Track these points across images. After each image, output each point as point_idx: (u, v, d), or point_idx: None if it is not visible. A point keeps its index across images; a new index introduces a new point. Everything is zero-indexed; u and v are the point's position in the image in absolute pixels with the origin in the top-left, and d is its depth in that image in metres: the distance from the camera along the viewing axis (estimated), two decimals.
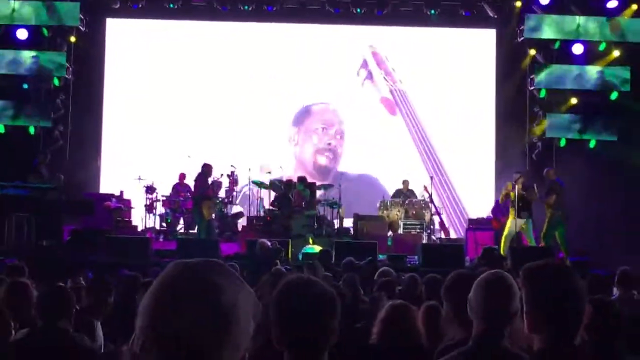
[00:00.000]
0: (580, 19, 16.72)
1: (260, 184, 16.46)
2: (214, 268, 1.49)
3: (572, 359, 2.52)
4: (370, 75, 18.71)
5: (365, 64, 18.71)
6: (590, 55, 16.80)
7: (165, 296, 1.42)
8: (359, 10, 17.74)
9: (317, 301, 2.27)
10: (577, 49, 16.73)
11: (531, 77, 17.18)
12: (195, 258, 1.55)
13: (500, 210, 15.16)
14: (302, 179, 15.94)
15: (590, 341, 3.86)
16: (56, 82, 16.93)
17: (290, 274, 8.44)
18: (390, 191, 17.25)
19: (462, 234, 16.76)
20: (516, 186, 13.88)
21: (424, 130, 18.44)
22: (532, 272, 2.62)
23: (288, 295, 2.29)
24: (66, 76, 17.06)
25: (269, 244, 11.45)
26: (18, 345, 4.22)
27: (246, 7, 17.65)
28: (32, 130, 16.79)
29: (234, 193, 16.52)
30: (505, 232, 14.03)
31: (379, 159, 18.27)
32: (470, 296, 2.99)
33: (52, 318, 4.28)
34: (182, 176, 16.39)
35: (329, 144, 18.68)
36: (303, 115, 18.75)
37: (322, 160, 18.51)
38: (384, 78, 18.69)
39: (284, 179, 16.65)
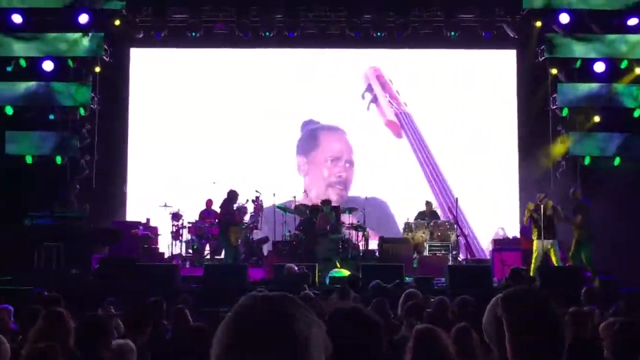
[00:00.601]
0: (601, 37, 16.71)
1: (284, 209, 16.54)
2: (288, 300, 1.52)
3: None
4: (375, 99, 18.76)
5: (370, 88, 18.77)
6: (612, 73, 16.77)
7: (242, 327, 1.46)
8: (379, 34, 17.84)
9: (366, 330, 2.31)
10: (599, 67, 16.71)
11: (553, 96, 17.16)
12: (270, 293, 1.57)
13: (529, 229, 15.09)
14: (327, 202, 15.98)
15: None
16: (82, 112, 17.14)
17: (321, 299, 8.48)
18: (398, 214, 17.34)
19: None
20: (541, 206, 13.82)
21: (429, 153, 18.46)
22: (510, 300, 2.57)
23: (338, 324, 2.33)
24: (92, 106, 17.27)
25: (296, 268, 11.50)
26: None
27: (267, 33, 17.82)
28: (59, 160, 16.98)
29: (259, 218, 16.59)
30: (535, 254, 13.94)
31: (386, 182, 18.29)
32: (485, 320, 2.98)
33: (92, 348, 4.30)
34: (209, 202, 16.50)
35: (340, 176, 18.68)
36: (310, 144, 18.77)
37: (332, 195, 18.24)
38: (389, 102, 18.74)
39: (309, 204, 16.74)
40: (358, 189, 18.46)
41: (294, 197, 17.43)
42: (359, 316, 2.35)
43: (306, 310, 1.52)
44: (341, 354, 2.28)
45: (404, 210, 17.42)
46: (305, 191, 18.10)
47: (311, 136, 18.80)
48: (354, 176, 18.71)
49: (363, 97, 18.76)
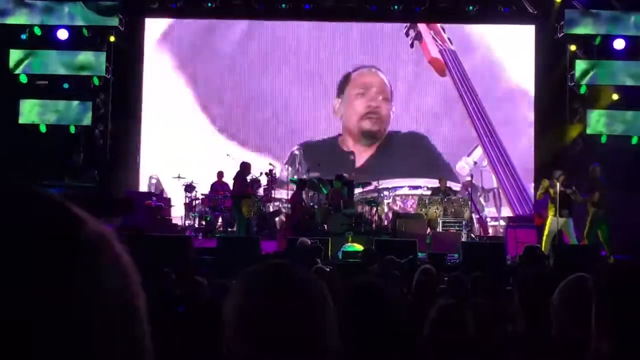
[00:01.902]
0: (621, 14, 16.49)
1: (297, 182, 16.49)
2: (299, 266, 1.53)
3: None
4: (419, 36, 18.55)
5: (414, 25, 18.55)
6: (632, 51, 16.56)
7: (259, 290, 1.43)
8: (396, 7, 17.67)
9: (388, 305, 2.25)
10: (619, 44, 16.50)
11: (571, 73, 16.97)
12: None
13: (542, 206, 14.98)
14: (339, 177, 15.91)
15: None
16: (96, 81, 17.09)
17: (333, 272, 8.44)
18: (446, 152, 17.85)
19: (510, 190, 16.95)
20: (557, 184, 13.70)
21: (474, 91, 18.27)
22: (609, 273, 2.54)
23: (360, 298, 2.27)
24: (106, 76, 17.22)
25: (309, 242, 11.45)
26: None
27: (283, 5, 17.68)
28: (72, 129, 16.97)
29: (273, 191, 16.54)
30: (546, 231, 13.87)
31: (429, 121, 18.31)
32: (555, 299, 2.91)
33: None
34: (220, 175, 16.46)
35: (369, 105, 18.53)
36: (343, 84, 18.65)
37: (366, 125, 18.39)
38: (433, 38, 18.53)
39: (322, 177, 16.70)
40: (400, 126, 18.49)
41: (308, 169, 17.42)
42: (379, 291, 2.29)
43: (313, 274, 1.50)
44: (362, 327, 2.23)
45: (449, 149, 17.89)
46: (340, 135, 18.31)
47: (344, 77, 18.66)
48: (393, 113, 18.53)
49: (407, 34, 18.52)
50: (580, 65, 16.78)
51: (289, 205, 16.13)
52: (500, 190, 17.86)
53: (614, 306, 2.45)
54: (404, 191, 17.87)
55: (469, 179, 16.62)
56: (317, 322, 1.42)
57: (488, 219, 17.49)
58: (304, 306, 1.43)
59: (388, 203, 17.69)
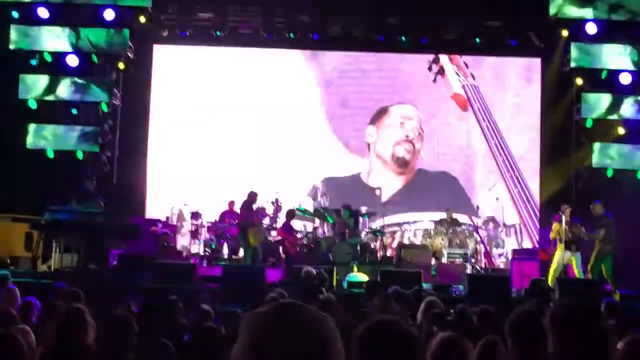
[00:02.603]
0: (627, 49, 16.57)
1: (304, 212, 16.53)
2: (295, 306, 1.50)
3: None
4: (442, 71, 18.64)
5: (437, 59, 18.65)
6: (638, 84, 16.60)
7: (275, 342, 1.42)
8: (403, 38, 17.78)
9: (405, 345, 2.25)
10: (625, 78, 16.56)
11: (577, 106, 17.01)
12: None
13: (546, 240, 14.99)
14: (346, 207, 15.94)
15: None
16: (104, 107, 17.18)
17: (339, 302, 8.42)
18: (467, 189, 17.84)
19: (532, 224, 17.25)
20: (564, 218, 13.71)
21: (496, 126, 18.32)
22: (561, 317, 2.53)
23: (378, 336, 2.27)
24: (114, 102, 17.32)
25: (314, 271, 11.44)
26: None
27: (292, 35, 17.81)
28: (80, 155, 17.04)
29: (278, 220, 16.57)
30: (554, 265, 13.84)
31: (453, 156, 18.39)
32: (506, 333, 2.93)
33: (117, 348, 4.21)
34: (232, 204, 16.46)
35: (407, 135, 18.55)
36: (381, 114, 18.69)
37: (400, 152, 18.47)
38: (456, 73, 18.61)
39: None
40: (428, 164, 18.58)
41: (315, 199, 17.46)
42: (398, 329, 2.29)
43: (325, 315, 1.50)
44: None
45: (470, 183, 18.01)
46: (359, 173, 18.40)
47: (383, 109, 18.70)
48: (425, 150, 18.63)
49: (430, 68, 18.61)
50: (586, 98, 16.82)
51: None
52: (521, 226, 17.83)
53: (567, 346, 2.43)
54: (425, 225, 17.80)
55: (490, 214, 16.74)
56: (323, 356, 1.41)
57: (510, 253, 17.38)
58: (313, 346, 1.42)
59: (409, 237, 17.82)
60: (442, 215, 16.78)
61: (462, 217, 17.21)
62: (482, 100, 18.41)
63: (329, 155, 18.34)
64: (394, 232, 17.67)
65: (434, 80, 18.56)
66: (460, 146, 18.42)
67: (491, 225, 17.32)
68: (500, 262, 17.33)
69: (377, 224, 17.03)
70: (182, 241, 16.96)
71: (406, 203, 18.06)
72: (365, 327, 2.32)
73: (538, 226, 17.49)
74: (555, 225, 14.04)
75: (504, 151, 18.16)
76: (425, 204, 18.00)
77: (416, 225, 17.92)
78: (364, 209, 16.76)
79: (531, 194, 18.03)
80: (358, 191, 18.13)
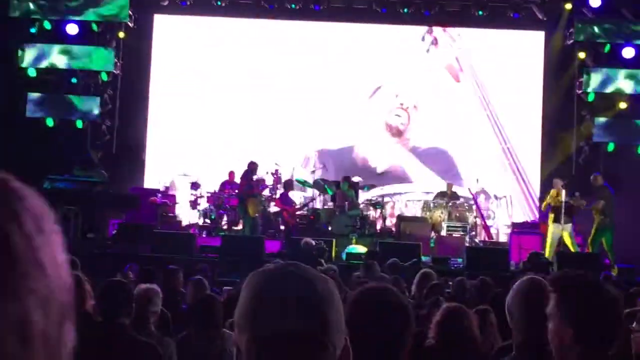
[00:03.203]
0: (631, 23, 16.47)
1: (304, 183, 16.52)
2: (296, 265, 1.50)
3: None
4: (435, 41, 18.54)
5: (430, 30, 18.55)
6: None
7: (269, 297, 1.43)
8: (405, 10, 17.65)
9: (394, 312, 2.24)
10: (628, 52, 16.48)
11: (580, 80, 16.94)
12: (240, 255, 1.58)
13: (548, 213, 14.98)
14: (346, 179, 15.92)
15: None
16: (104, 77, 17.12)
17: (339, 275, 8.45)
18: (461, 162, 17.89)
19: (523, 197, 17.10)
20: (563, 192, 13.70)
21: (487, 96, 18.26)
22: (564, 284, 2.53)
23: (366, 304, 2.26)
24: (114, 71, 17.25)
25: (313, 242, 11.47)
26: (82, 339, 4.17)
27: (293, 6, 17.70)
28: (79, 124, 17.00)
29: (277, 191, 16.56)
30: (549, 239, 13.87)
31: (447, 129, 18.30)
32: (510, 305, 2.94)
33: (113, 314, 4.23)
34: (232, 174, 16.42)
35: (401, 104, 18.51)
36: (377, 89, 18.60)
37: (393, 120, 18.47)
38: (449, 44, 18.48)
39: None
40: (420, 139, 18.53)
41: (313, 171, 17.46)
42: (386, 297, 2.28)
43: (325, 276, 1.51)
44: (366, 333, 2.23)
45: (466, 156, 18.02)
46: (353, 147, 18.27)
47: (378, 86, 18.62)
48: (417, 124, 18.57)
49: (423, 39, 18.50)
50: (588, 72, 16.75)
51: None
52: (511, 197, 17.85)
53: (575, 318, 2.43)
54: (417, 196, 17.88)
55: (481, 186, 16.75)
56: (322, 319, 1.41)
57: (500, 225, 17.44)
58: (312, 299, 1.42)
59: (400, 208, 17.79)
60: (438, 187, 16.85)
61: (461, 190, 17.22)
62: (475, 70, 18.31)
63: (325, 126, 18.27)
64: (386, 203, 17.66)
65: (427, 51, 18.47)
66: (452, 117, 18.32)
67: (482, 196, 17.32)
68: (503, 234, 17.33)
69: (374, 193, 17.11)
70: (180, 211, 16.94)
71: (400, 175, 18.06)
72: (356, 294, 2.32)
73: (536, 200, 17.48)
74: (550, 197, 14.05)
75: (497, 123, 18.10)
76: (419, 175, 18.04)
77: (407, 196, 17.94)
78: (357, 179, 16.75)
79: (522, 166, 18.00)
80: (352, 162, 18.13)
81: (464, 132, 18.23)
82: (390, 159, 18.41)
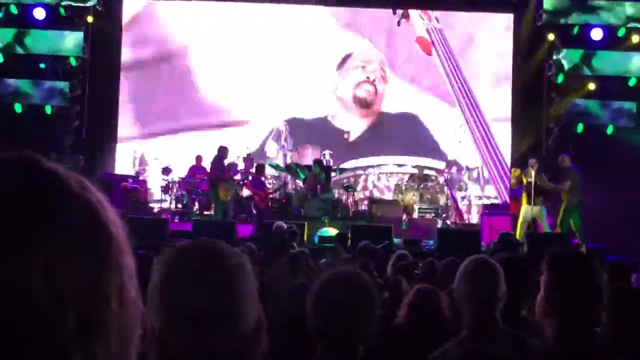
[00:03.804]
0: (599, 4, 16.59)
1: (276, 167, 16.52)
2: (214, 243, 1.53)
3: (589, 345, 2.51)
4: (406, 14, 18.51)
5: (400, 2, 18.54)
6: (609, 41, 16.66)
7: (180, 277, 1.45)
8: None
9: (360, 295, 2.26)
10: (596, 34, 16.60)
11: (549, 62, 17.05)
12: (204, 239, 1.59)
13: (518, 193, 15.07)
14: (317, 162, 15.93)
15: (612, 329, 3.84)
16: (73, 62, 16.94)
17: (306, 256, 8.46)
18: (433, 133, 18.04)
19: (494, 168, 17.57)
20: (533, 172, 13.80)
21: (460, 70, 18.31)
22: (555, 260, 2.62)
23: (332, 288, 2.27)
24: (83, 56, 17.08)
25: (285, 226, 11.47)
26: None
27: None
28: (48, 110, 16.83)
29: (249, 175, 16.54)
30: (520, 219, 13.98)
31: (417, 99, 18.36)
32: (457, 285, 2.98)
33: None
34: (199, 159, 16.40)
35: (368, 77, 18.54)
36: (345, 59, 18.65)
37: (361, 93, 18.50)
38: (420, 16, 18.51)
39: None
40: (390, 104, 18.56)
41: (283, 146, 17.53)
42: (352, 281, 2.30)
43: (233, 250, 1.53)
44: (333, 318, 2.24)
45: (434, 126, 18.20)
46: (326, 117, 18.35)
47: (347, 55, 18.65)
48: (387, 93, 18.59)
49: (394, 12, 18.44)
50: (557, 54, 16.86)
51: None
52: (484, 169, 18.01)
53: (561, 291, 2.52)
54: (389, 169, 18.01)
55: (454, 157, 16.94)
56: (231, 297, 1.43)
57: (473, 197, 17.62)
58: (219, 281, 1.43)
59: (372, 181, 17.82)
60: (408, 159, 16.90)
61: (428, 162, 17.56)
62: (447, 44, 18.35)
63: (295, 97, 18.25)
64: (359, 176, 17.78)
65: (398, 24, 18.47)
66: (424, 90, 18.37)
67: (454, 168, 17.48)
68: (474, 206, 17.48)
69: (347, 166, 17.35)
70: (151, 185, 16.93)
71: (371, 146, 18.17)
72: (322, 278, 2.34)
73: (501, 171, 17.65)
74: (514, 171, 14.18)
75: (468, 95, 18.19)
76: (391, 146, 18.18)
77: (381, 169, 18.06)
78: (327, 153, 16.79)
79: (494, 138, 18.13)
80: (324, 133, 18.19)
81: (435, 106, 18.28)
82: (362, 130, 18.46)
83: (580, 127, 16.68)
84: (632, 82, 16.47)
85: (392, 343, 4.19)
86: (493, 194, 17.79)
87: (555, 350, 2.54)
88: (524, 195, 14.03)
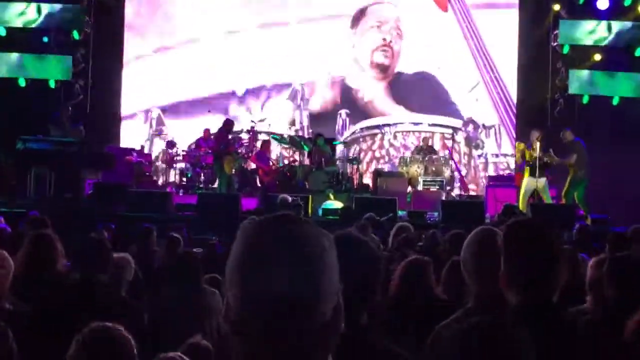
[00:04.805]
0: None
1: (280, 139, 16.48)
2: (292, 219, 1.45)
3: (551, 315, 2.53)
4: None
5: None
6: (616, 11, 16.51)
7: (263, 254, 1.38)
8: None
9: (364, 261, 2.25)
10: (602, 3, 16.45)
11: (555, 32, 16.92)
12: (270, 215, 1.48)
13: (523, 165, 15.02)
14: (320, 135, 15.91)
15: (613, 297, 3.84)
16: (76, 35, 16.87)
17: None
18: (446, 90, 18.03)
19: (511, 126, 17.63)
20: (538, 144, 13.73)
21: (476, 27, 18.22)
22: (510, 229, 2.61)
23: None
24: (86, 30, 17.01)
25: (289, 199, 11.47)
26: (60, 296, 4.16)
27: None
28: (52, 84, 16.80)
29: (254, 149, 16.52)
30: (522, 190, 13.93)
31: (433, 57, 18.27)
32: (463, 256, 2.97)
33: (92, 271, 4.19)
34: (207, 132, 16.36)
35: (384, 39, 18.47)
36: (358, 16, 18.55)
37: (379, 58, 18.46)
38: None
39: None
40: (408, 65, 18.50)
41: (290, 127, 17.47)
42: (357, 245, 2.28)
43: (312, 224, 1.46)
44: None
45: (450, 84, 18.15)
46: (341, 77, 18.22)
47: (361, 10, 18.56)
48: (403, 50, 18.50)
49: None
50: (563, 24, 16.73)
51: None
52: (500, 127, 17.99)
53: (525, 261, 2.52)
54: (405, 127, 18.01)
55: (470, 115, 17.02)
56: (312, 284, 1.37)
57: (489, 155, 17.64)
58: (301, 267, 1.37)
59: (389, 139, 17.85)
60: (425, 117, 17.22)
61: (444, 120, 17.64)
62: (463, 1, 18.23)
63: (310, 59, 18.16)
64: (375, 135, 17.76)
65: None
66: (440, 47, 18.25)
67: (471, 126, 17.50)
68: (481, 186, 17.48)
69: (363, 125, 17.38)
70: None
71: (387, 104, 18.17)
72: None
73: (518, 129, 17.64)
74: (518, 145, 14.12)
75: (484, 53, 18.10)
76: (407, 105, 18.18)
77: (397, 128, 18.05)
78: (344, 112, 16.90)
79: (511, 96, 18.06)
80: (340, 92, 18.19)
81: (451, 64, 18.18)
82: (378, 90, 18.41)
83: (585, 99, 16.59)
84: (638, 53, 16.34)
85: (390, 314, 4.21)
86: (510, 151, 17.73)
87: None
88: (527, 168, 13.97)
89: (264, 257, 1.37)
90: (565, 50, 16.79)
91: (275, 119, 17.24)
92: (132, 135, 17.84)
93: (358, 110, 17.88)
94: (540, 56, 17.27)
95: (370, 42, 18.44)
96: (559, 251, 2.56)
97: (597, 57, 16.55)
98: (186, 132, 16.90)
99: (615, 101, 16.49)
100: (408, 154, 16.88)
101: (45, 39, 16.82)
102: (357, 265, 2.22)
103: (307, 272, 1.37)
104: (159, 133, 16.94)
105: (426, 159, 16.12)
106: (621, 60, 16.50)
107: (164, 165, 16.80)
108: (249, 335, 1.38)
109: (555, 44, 16.92)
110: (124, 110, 18.20)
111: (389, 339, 2.58)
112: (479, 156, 17.50)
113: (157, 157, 17.41)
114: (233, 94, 18.11)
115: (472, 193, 17.02)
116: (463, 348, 1.87)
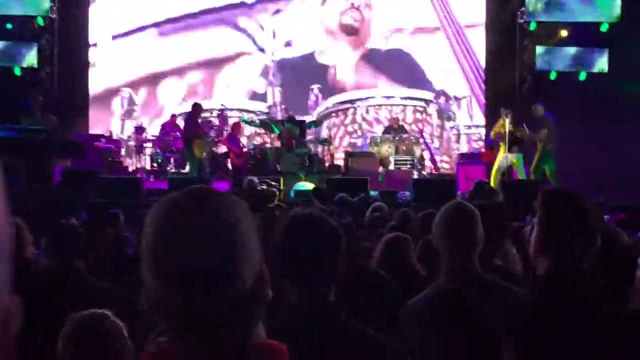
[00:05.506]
0: None
1: (250, 123, 16.44)
2: (202, 192, 1.45)
3: (578, 282, 2.53)
4: None
5: None
6: None
7: (174, 230, 1.38)
8: None
9: (324, 237, 2.26)
10: None
11: (521, 9, 16.99)
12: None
13: (493, 141, 15.12)
14: (290, 118, 15.90)
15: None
16: (40, 22, 16.65)
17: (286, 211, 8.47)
18: (420, 61, 18.02)
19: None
20: (507, 121, 13.84)
21: (449, 6, 18.26)
22: (547, 196, 2.63)
23: (295, 231, 2.28)
24: (51, 16, 16.79)
25: (256, 180, 11.43)
26: (39, 287, 4.09)
27: None
28: (17, 71, 16.58)
29: (224, 132, 16.46)
30: (495, 166, 14.05)
31: (404, 29, 18.33)
32: (435, 229, 2.99)
33: (67, 258, 4.16)
34: (174, 118, 16.28)
35: (352, 3, 18.48)
36: None
37: (347, 19, 18.50)
38: None
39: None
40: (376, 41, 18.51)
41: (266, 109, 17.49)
42: (315, 222, 2.30)
43: (227, 195, 1.46)
44: (298, 260, 2.25)
45: (422, 57, 18.12)
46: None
47: None
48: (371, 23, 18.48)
49: None
50: (529, 1, 16.79)
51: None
52: (472, 99, 18.08)
53: (556, 227, 2.53)
54: (377, 101, 18.04)
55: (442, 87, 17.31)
56: (228, 252, 1.36)
57: (462, 127, 17.77)
58: (215, 236, 1.36)
59: (361, 114, 17.92)
60: (397, 90, 17.32)
61: (416, 93, 17.84)
62: None
63: (280, 35, 18.15)
64: (347, 110, 17.82)
65: None
66: (411, 19, 18.29)
67: (442, 98, 17.58)
68: (463, 144, 17.57)
69: (338, 99, 17.49)
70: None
71: (360, 79, 18.24)
72: (285, 220, 2.34)
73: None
74: (497, 126, 14.20)
75: (454, 24, 18.15)
76: (378, 79, 18.26)
77: (369, 102, 18.11)
78: (317, 87, 17.02)
79: (481, 68, 18.13)
80: (311, 70, 18.22)
81: (422, 36, 18.24)
82: (350, 64, 18.41)
83: (553, 74, 16.71)
84: (604, 28, 16.46)
85: (365, 289, 4.24)
86: (482, 122, 17.82)
87: (534, 294, 2.57)
88: (501, 144, 14.06)
89: (176, 232, 1.36)
90: (532, 27, 16.86)
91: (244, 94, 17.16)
92: (102, 119, 17.68)
93: (329, 85, 17.86)
94: (508, 34, 17.33)
95: (338, 6, 18.49)
96: (592, 219, 2.58)
97: (564, 33, 16.64)
98: (155, 118, 16.77)
99: (582, 77, 16.62)
100: (379, 131, 16.90)
101: (9, 26, 16.58)
102: (318, 242, 2.25)
103: (221, 243, 1.36)
104: (129, 114, 16.79)
105: (397, 138, 16.16)
106: (587, 35, 16.60)
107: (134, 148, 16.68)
108: (172, 314, 1.37)
109: (522, 21, 16.99)
110: (93, 92, 18.00)
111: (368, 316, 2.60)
112: (451, 128, 17.61)
113: (127, 139, 17.30)
114: (242, 4, 17.99)
115: (442, 171, 17.11)
116: (424, 313, 1.90)
